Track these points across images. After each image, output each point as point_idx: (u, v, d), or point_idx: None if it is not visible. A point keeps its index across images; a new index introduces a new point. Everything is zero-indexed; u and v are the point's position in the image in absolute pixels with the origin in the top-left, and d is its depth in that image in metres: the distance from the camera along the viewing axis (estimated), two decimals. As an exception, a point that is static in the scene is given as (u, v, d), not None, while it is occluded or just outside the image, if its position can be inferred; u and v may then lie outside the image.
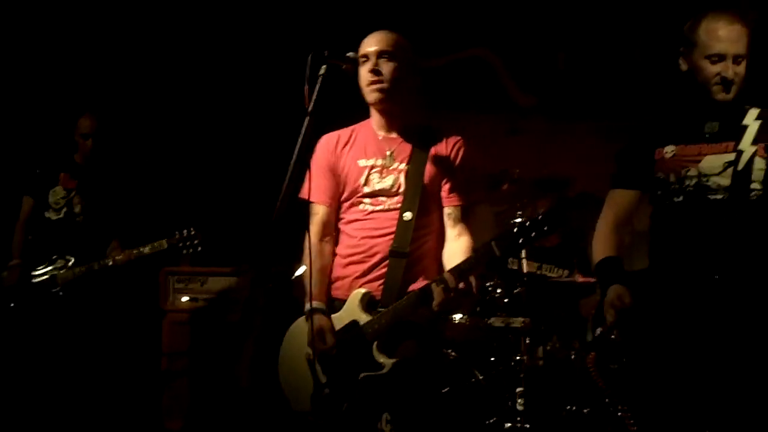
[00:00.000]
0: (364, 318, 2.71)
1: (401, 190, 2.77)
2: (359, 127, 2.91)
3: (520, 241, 2.53)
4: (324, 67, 2.47)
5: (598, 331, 2.64)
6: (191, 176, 5.29)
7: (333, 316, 2.78)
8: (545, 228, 2.51)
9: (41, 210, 4.36)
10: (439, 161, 2.79)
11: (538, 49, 5.24)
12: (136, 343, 4.79)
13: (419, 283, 2.71)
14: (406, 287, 2.71)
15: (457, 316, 4.13)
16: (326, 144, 2.88)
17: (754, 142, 2.59)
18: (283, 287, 4.44)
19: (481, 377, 4.03)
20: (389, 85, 2.72)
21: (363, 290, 2.75)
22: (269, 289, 4.10)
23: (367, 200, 2.80)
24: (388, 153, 2.81)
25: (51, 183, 4.37)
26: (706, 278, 2.53)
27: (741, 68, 2.61)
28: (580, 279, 4.22)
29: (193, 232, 4.11)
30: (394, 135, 2.83)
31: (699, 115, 2.69)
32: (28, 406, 4.14)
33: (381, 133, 2.84)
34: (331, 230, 2.90)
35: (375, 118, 2.86)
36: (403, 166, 2.78)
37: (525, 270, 4.21)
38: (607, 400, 3.24)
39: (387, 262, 2.74)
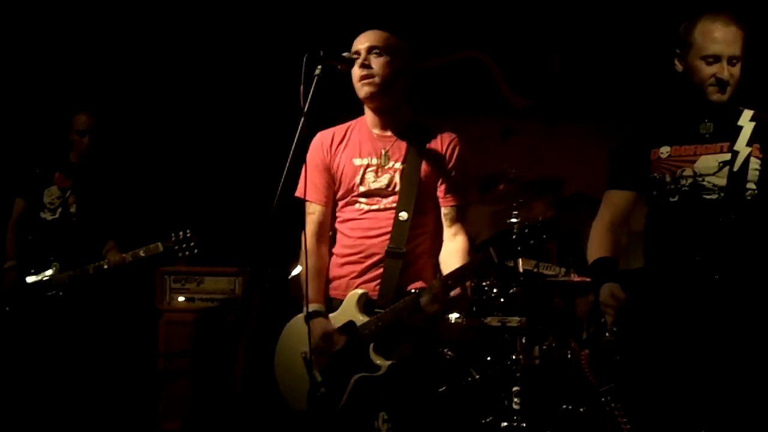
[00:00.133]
0: (360, 319, 2.71)
1: (396, 189, 2.76)
2: (354, 124, 2.89)
3: (519, 248, 2.53)
4: (319, 67, 2.47)
5: (592, 329, 2.65)
6: (188, 176, 5.29)
7: (330, 315, 2.79)
8: (544, 236, 2.51)
9: (36, 210, 4.31)
10: (435, 160, 2.78)
11: (531, 51, 5.25)
12: (133, 344, 4.79)
13: (416, 284, 2.72)
14: (403, 288, 2.71)
15: (453, 316, 4.13)
16: (321, 142, 2.86)
17: (749, 143, 2.62)
18: (279, 288, 4.45)
19: (477, 376, 4.04)
20: (379, 80, 2.71)
21: (360, 291, 2.74)
22: (265, 289, 4.12)
23: (362, 200, 2.79)
24: (383, 152, 2.80)
25: (45, 183, 4.33)
26: (701, 277, 2.54)
27: (736, 70, 2.63)
28: (576, 278, 4.23)
29: (189, 234, 4.07)
30: (388, 133, 2.82)
31: (694, 116, 2.71)
32: (25, 406, 4.12)
33: (376, 132, 2.83)
34: (327, 229, 2.90)
35: (369, 116, 2.85)
36: (398, 165, 2.77)
37: (521, 268, 4.21)
38: (601, 398, 3.25)
39: (383, 262, 2.74)
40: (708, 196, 2.62)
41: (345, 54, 2.69)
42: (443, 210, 2.81)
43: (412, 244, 2.74)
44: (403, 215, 2.73)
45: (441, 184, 2.80)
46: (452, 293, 2.60)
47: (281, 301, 4.42)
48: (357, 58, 2.73)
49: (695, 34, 2.63)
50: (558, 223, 2.51)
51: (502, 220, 4.22)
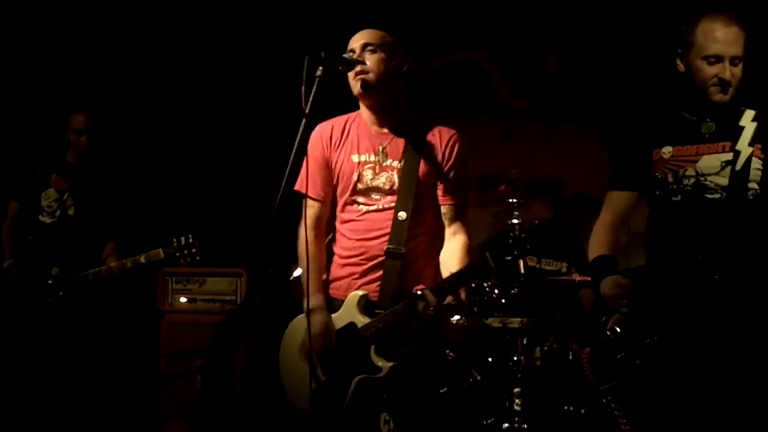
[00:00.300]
0: (361, 320, 2.72)
1: (394, 188, 2.75)
2: (352, 119, 2.88)
3: (515, 252, 2.53)
4: (320, 68, 2.47)
5: (593, 328, 2.65)
6: (189, 177, 5.29)
7: (331, 316, 2.80)
8: (541, 239, 2.51)
9: (35, 213, 4.26)
10: (433, 159, 2.77)
11: (530, 53, 5.25)
12: (134, 344, 4.79)
13: (416, 284, 2.72)
14: (403, 288, 2.72)
15: (455, 317, 4.13)
16: (320, 135, 2.85)
17: (751, 142, 2.63)
18: (280, 289, 4.45)
19: (478, 377, 4.04)
20: (373, 76, 2.71)
21: (360, 292, 2.75)
22: (267, 290, 4.12)
23: (361, 199, 2.79)
24: (380, 149, 2.79)
25: (43, 185, 4.27)
26: (703, 277, 2.54)
27: (738, 70, 2.64)
28: (577, 278, 4.23)
29: (191, 240, 4.00)
30: (385, 130, 2.81)
31: (696, 116, 2.71)
32: (27, 407, 4.11)
33: (374, 128, 2.83)
34: (324, 224, 2.91)
35: (365, 113, 2.84)
36: (396, 163, 2.77)
37: (522, 268, 4.21)
38: (599, 398, 3.25)
39: (383, 263, 2.74)
40: (710, 196, 2.63)
41: (346, 55, 2.70)
42: (442, 209, 2.81)
43: (412, 243, 2.74)
44: (402, 215, 2.73)
45: (440, 182, 2.79)
46: (447, 299, 2.60)
47: (282, 303, 4.43)
48: (351, 55, 2.73)
49: (697, 34, 2.64)
50: (556, 225, 2.51)
51: (503, 222, 4.22)
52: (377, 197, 2.78)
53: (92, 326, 4.21)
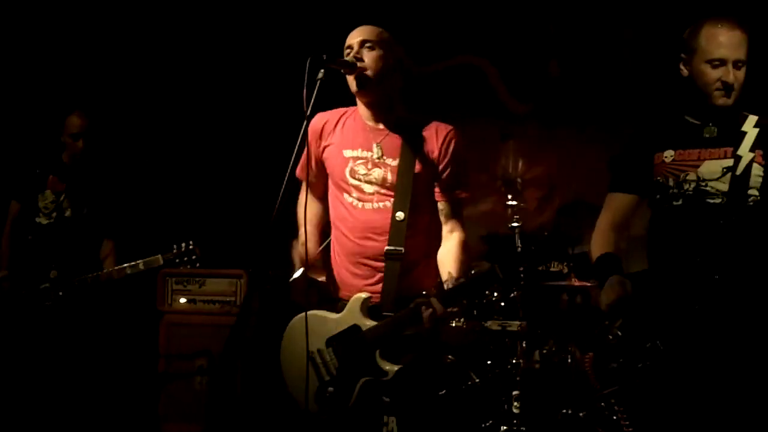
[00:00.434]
0: (365, 324, 2.72)
1: (387, 183, 2.75)
2: (349, 113, 2.88)
3: (524, 266, 2.53)
4: (322, 71, 2.48)
5: (596, 332, 2.65)
6: (189, 177, 5.29)
7: (335, 317, 2.80)
8: (548, 250, 2.51)
9: (32, 215, 4.23)
10: (429, 155, 2.76)
11: (530, 56, 5.26)
12: (133, 345, 4.79)
13: (416, 284, 2.72)
14: (404, 290, 2.72)
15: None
16: (313, 129, 2.84)
17: (752, 148, 2.63)
18: (280, 290, 4.45)
19: (477, 380, 4.05)
20: (371, 73, 2.71)
21: (364, 295, 2.75)
22: (266, 291, 4.12)
23: (355, 194, 2.79)
24: (374, 145, 2.79)
25: (40, 187, 4.24)
26: (702, 280, 2.54)
27: (741, 74, 2.65)
28: (576, 283, 4.24)
29: (191, 247, 3.96)
30: (381, 126, 2.81)
31: (698, 120, 2.72)
32: (26, 408, 4.10)
33: (369, 124, 2.82)
34: (322, 194, 2.93)
35: (362, 109, 2.84)
36: (391, 161, 2.76)
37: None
38: (602, 402, 3.25)
39: (383, 264, 2.75)
40: (711, 201, 2.64)
41: (347, 58, 2.70)
42: (439, 205, 2.80)
43: (411, 243, 2.74)
44: (400, 215, 2.73)
45: (436, 179, 2.78)
46: (450, 309, 2.60)
47: (281, 304, 4.43)
48: (349, 52, 2.73)
49: (700, 38, 2.65)
50: (561, 236, 2.52)
51: (501, 224, 4.23)
52: (370, 192, 2.77)
53: (92, 327, 4.20)
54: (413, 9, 5.25)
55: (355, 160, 2.79)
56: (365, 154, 2.79)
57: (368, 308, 2.74)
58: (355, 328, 2.73)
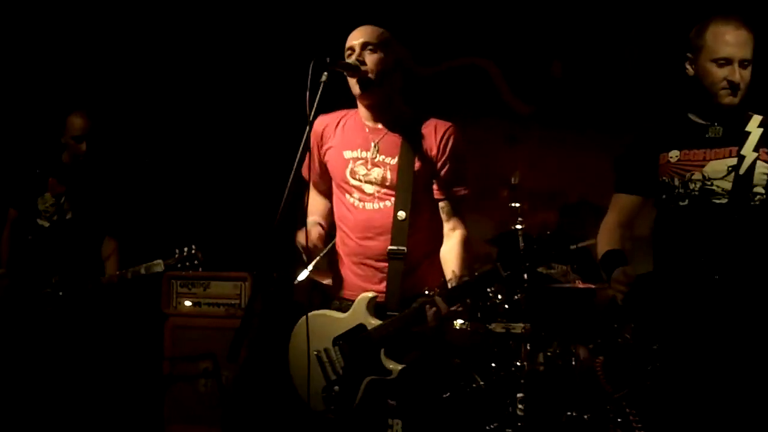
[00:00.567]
0: (371, 323, 2.73)
1: (387, 183, 2.76)
2: (348, 115, 2.90)
3: (527, 264, 2.53)
4: (325, 74, 2.49)
5: (616, 325, 2.64)
6: (194, 179, 5.30)
7: (341, 316, 2.82)
8: (552, 249, 2.51)
9: (33, 218, 4.18)
10: (428, 153, 2.76)
11: (534, 58, 5.26)
12: (138, 347, 4.79)
13: (420, 283, 2.73)
14: (407, 289, 2.73)
15: (458, 322, 4.14)
16: (314, 132, 2.86)
17: (756, 147, 2.63)
18: (284, 292, 4.46)
19: (481, 382, 4.04)
20: (373, 75, 2.72)
21: (369, 294, 2.76)
22: (270, 293, 4.12)
23: (356, 194, 2.80)
24: (373, 144, 2.80)
25: (40, 190, 4.19)
26: (709, 281, 2.54)
27: (747, 73, 2.65)
28: (580, 285, 4.23)
29: (194, 251, 3.91)
30: (380, 126, 2.82)
31: (703, 120, 2.72)
32: (30, 411, 4.10)
33: (368, 124, 2.83)
34: (328, 194, 2.95)
35: (362, 110, 2.85)
36: (390, 160, 2.77)
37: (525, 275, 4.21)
38: (611, 404, 3.23)
39: (386, 264, 2.76)
40: (717, 201, 2.64)
41: (349, 60, 2.70)
42: (440, 204, 2.80)
43: (413, 242, 2.75)
44: (401, 214, 2.73)
45: (436, 177, 2.78)
46: (454, 308, 2.60)
47: (285, 306, 4.43)
48: (350, 53, 2.74)
49: (706, 37, 2.65)
50: (564, 235, 2.52)
51: (507, 227, 4.22)
52: (371, 192, 2.78)
53: (96, 329, 4.20)
54: (417, 10, 5.26)
55: (355, 161, 2.80)
56: (364, 154, 2.80)
57: (374, 307, 2.75)
58: (361, 327, 2.74)
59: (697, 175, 2.67)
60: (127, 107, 5.16)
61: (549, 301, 4.34)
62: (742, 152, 2.63)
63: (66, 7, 5.03)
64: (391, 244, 2.74)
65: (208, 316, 4.68)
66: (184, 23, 5.24)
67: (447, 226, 2.79)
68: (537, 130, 5.19)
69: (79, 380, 4.16)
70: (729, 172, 2.64)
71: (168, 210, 5.19)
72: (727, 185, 2.63)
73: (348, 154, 2.82)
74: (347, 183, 2.80)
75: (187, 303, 4.73)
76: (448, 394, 3.92)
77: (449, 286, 2.63)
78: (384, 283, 2.77)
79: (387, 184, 2.76)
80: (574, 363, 4.06)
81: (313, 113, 2.45)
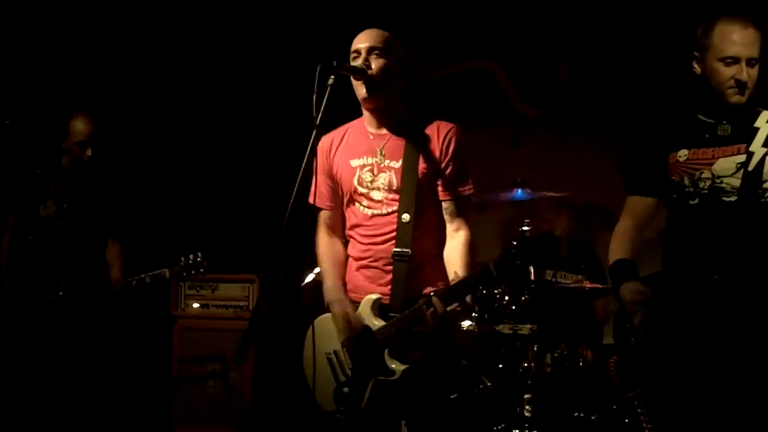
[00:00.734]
0: (375, 324, 2.75)
1: (394, 188, 2.76)
2: (352, 126, 2.91)
3: (518, 263, 2.53)
4: (332, 77, 2.50)
5: (628, 325, 2.63)
6: (202, 182, 5.32)
7: None
8: (540, 250, 2.51)
9: (34, 224, 4.06)
10: (431, 154, 2.76)
11: (540, 61, 5.27)
12: (147, 349, 4.81)
13: (424, 285, 2.74)
14: (412, 291, 2.74)
15: (465, 323, 4.15)
16: (322, 147, 2.87)
17: (765, 143, 2.62)
18: (291, 294, 4.48)
19: (489, 384, 4.05)
20: (379, 80, 2.72)
21: (374, 296, 2.78)
22: (278, 295, 4.14)
23: (364, 202, 2.81)
24: (378, 150, 2.80)
25: (41, 196, 4.08)
26: (720, 280, 2.53)
27: (754, 71, 2.64)
28: (588, 285, 4.24)
29: (199, 259, 3.86)
30: (384, 131, 2.82)
31: (711, 119, 2.71)
32: (38, 412, 4.10)
33: (371, 131, 2.84)
34: (338, 230, 2.95)
35: (366, 116, 2.86)
36: (394, 164, 2.77)
37: (533, 275, 4.22)
38: (618, 405, 3.23)
39: (392, 266, 2.77)
40: (727, 199, 2.63)
41: (356, 64, 2.72)
42: (443, 204, 2.80)
43: (417, 244, 2.75)
44: (406, 217, 2.74)
45: (439, 178, 2.78)
46: (450, 307, 2.60)
47: (293, 308, 4.45)
48: (356, 56, 2.74)
49: (713, 36, 2.65)
50: (554, 238, 2.51)
51: (513, 230, 4.23)
52: (379, 198, 2.79)
53: (104, 332, 4.20)
54: (423, 13, 5.28)
55: (362, 168, 2.82)
56: (371, 160, 2.81)
57: (379, 309, 2.76)
58: (366, 328, 2.76)
59: (706, 174, 2.66)
60: (131, 109, 5.16)
61: (556, 302, 4.35)
62: (751, 148, 2.62)
63: (66, 8, 5.02)
64: (396, 247, 2.75)
65: (216, 318, 4.71)
66: (190, 27, 5.26)
67: (451, 227, 2.79)
68: (543, 134, 5.20)
69: (87, 382, 4.17)
70: (738, 169, 2.62)
71: (176, 212, 5.21)
72: (737, 182, 2.61)
73: (355, 162, 2.83)
74: (356, 192, 2.82)
75: (196, 305, 4.75)
76: (456, 395, 3.92)
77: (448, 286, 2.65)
78: (390, 285, 2.78)
79: (393, 188, 2.77)
80: (581, 364, 4.06)
81: (320, 116, 2.47)
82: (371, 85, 2.71)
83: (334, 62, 2.54)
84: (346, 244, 2.95)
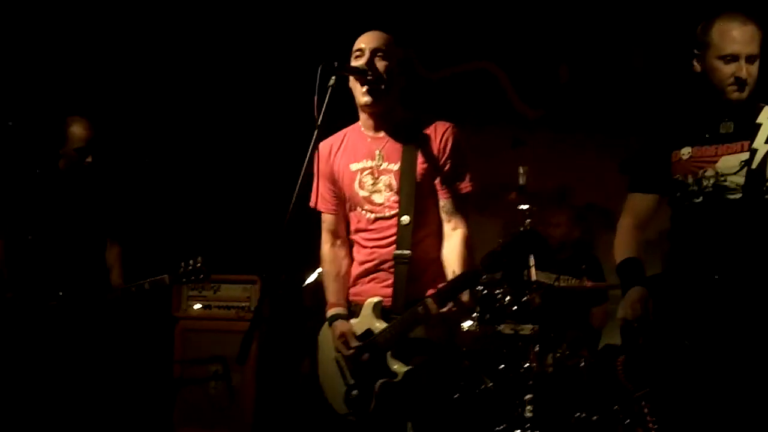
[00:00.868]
0: (377, 326, 2.75)
1: (395, 190, 2.76)
2: (350, 130, 2.91)
3: (504, 260, 2.53)
4: (333, 78, 2.50)
5: (636, 325, 2.62)
6: (203, 183, 5.32)
7: (352, 320, 2.84)
8: (524, 247, 2.51)
9: (31, 233, 3.98)
10: (429, 154, 2.75)
11: (541, 62, 5.27)
12: (149, 351, 4.82)
13: (425, 287, 2.74)
14: (413, 293, 2.73)
15: (467, 324, 4.15)
16: (322, 152, 2.86)
17: None
18: (293, 295, 4.48)
19: (490, 384, 4.05)
20: (382, 84, 2.71)
21: (375, 299, 2.78)
22: (279, 296, 4.14)
23: (366, 206, 2.81)
24: (376, 153, 2.80)
25: (38, 200, 3.99)
26: (724, 279, 2.53)
27: (754, 68, 2.63)
28: (588, 285, 4.24)
29: (199, 265, 3.79)
30: (381, 134, 2.82)
31: (713, 116, 2.70)
32: (40, 414, 4.09)
33: (369, 134, 2.83)
34: (342, 234, 2.95)
35: (363, 119, 2.86)
36: (393, 166, 2.77)
37: (534, 278, 4.22)
38: (619, 405, 3.23)
39: (393, 269, 2.76)
40: (731, 196, 2.61)
41: (357, 64, 2.72)
42: (440, 202, 2.78)
43: (417, 247, 2.75)
44: (405, 219, 2.73)
45: (437, 177, 2.77)
46: (445, 308, 2.60)
47: (294, 309, 4.46)
48: (358, 55, 2.74)
49: (713, 34, 2.64)
50: (537, 236, 2.51)
51: (513, 230, 4.23)
52: (380, 201, 2.79)
53: (106, 334, 4.20)
54: (423, 14, 5.28)
55: (362, 172, 2.82)
56: (370, 163, 2.81)
57: (380, 311, 2.77)
58: (368, 331, 2.76)
59: (710, 172, 2.65)
60: (130, 110, 5.15)
61: (558, 302, 4.35)
62: (754, 145, 2.60)
63: (66, 8, 5.01)
64: (397, 249, 2.75)
65: (218, 319, 4.71)
66: (190, 29, 5.26)
67: (448, 227, 2.78)
68: (544, 134, 5.20)
69: (89, 385, 4.16)
70: (742, 167, 2.60)
71: (177, 213, 5.21)
72: (741, 180, 2.60)
73: (354, 166, 2.83)
74: (357, 196, 2.82)
75: (197, 306, 4.75)
76: (458, 395, 3.93)
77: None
78: (392, 288, 2.78)
79: (394, 190, 2.77)
80: (582, 364, 4.06)
81: (321, 117, 2.46)
82: (375, 88, 2.71)
83: (336, 63, 2.54)
84: (350, 246, 2.94)
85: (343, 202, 2.90)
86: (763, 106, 2.68)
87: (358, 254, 2.89)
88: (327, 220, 2.95)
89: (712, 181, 2.64)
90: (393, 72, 2.73)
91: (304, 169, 2.46)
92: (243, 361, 2.48)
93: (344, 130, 2.92)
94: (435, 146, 2.76)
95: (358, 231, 2.87)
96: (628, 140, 4.55)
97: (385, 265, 2.79)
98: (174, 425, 4.67)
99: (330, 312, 2.88)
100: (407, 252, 2.73)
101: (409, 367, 2.68)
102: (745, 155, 2.61)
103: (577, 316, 4.63)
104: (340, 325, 2.83)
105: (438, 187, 2.78)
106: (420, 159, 2.75)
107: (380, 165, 2.79)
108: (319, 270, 2.85)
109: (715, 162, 2.65)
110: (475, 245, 2.81)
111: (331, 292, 2.91)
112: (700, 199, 2.66)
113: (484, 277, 2.55)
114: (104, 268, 4.15)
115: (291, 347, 4.62)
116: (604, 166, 4.72)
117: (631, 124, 4.84)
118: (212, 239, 4.24)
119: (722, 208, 2.62)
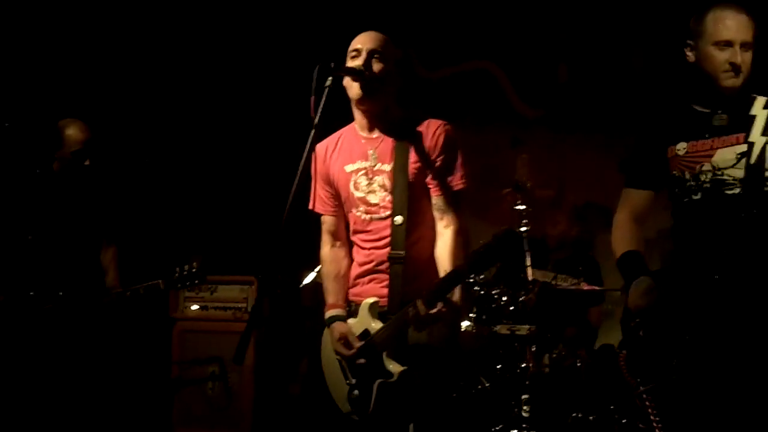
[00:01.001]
0: (373, 327, 2.76)
1: (389, 190, 2.76)
2: (345, 131, 2.91)
3: (489, 260, 2.53)
4: (330, 78, 2.50)
5: (638, 320, 2.61)
6: (200, 183, 5.32)
7: (350, 321, 2.85)
8: (507, 247, 2.50)
9: (28, 235, 3.93)
10: (422, 153, 2.74)
11: (540, 61, 5.27)
12: (146, 352, 4.81)
13: (420, 287, 2.71)
14: (408, 293, 2.72)
15: (464, 324, 4.16)
16: (318, 154, 2.86)
17: (764, 132, 2.57)
18: (290, 295, 4.49)
19: (487, 384, 4.06)
20: (379, 84, 2.71)
21: (371, 300, 2.78)
22: (277, 296, 4.14)
23: (362, 207, 2.82)
24: (370, 153, 2.80)
25: (34, 202, 3.94)
26: (730, 276, 2.50)
27: (748, 56, 2.61)
28: (585, 287, 4.24)
29: (194, 270, 3.72)
30: (375, 134, 2.81)
31: (707, 108, 2.67)
32: (38, 415, 4.08)
33: (363, 134, 2.83)
34: (342, 236, 2.95)
35: (357, 119, 2.86)
36: (386, 166, 2.77)
37: (531, 277, 4.23)
38: (638, 399, 3.21)
39: (388, 269, 2.76)
40: (730, 191, 2.59)
41: (354, 64, 2.72)
42: (433, 200, 2.76)
43: (414, 247, 2.75)
44: (398, 219, 2.73)
45: (429, 175, 2.76)
46: (434, 309, 2.59)
47: (292, 309, 4.46)
48: (354, 55, 2.73)
49: (707, 22, 2.63)
50: (515, 234, 2.50)
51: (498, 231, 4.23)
52: (375, 202, 2.79)
53: (104, 334, 4.19)
54: (423, 14, 5.28)
55: (356, 173, 2.82)
56: (364, 164, 2.81)
57: (377, 312, 2.77)
58: (366, 332, 2.77)
59: (707, 166, 2.62)
60: (127, 111, 5.14)
61: (554, 303, 4.35)
62: (751, 138, 2.57)
63: (62, 9, 5.00)
64: (391, 250, 2.75)
65: (215, 320, 4.71)
66: (187, 30, 5.26)
67: (440, 224, 2.76)
68: (544, 134, 5.20)
69: (88, 386, 4.16)
70: (738, 160, 2.57)
71: (173, 214, 5.21)
72: (738, 173, 2.57)
73: (349, 167, 2.83)
74: (353, 197, 2.83)
75: (194, 307, 4.75)
76: (455, 395, 3.93)
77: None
78: (387, 289, 2.78)
79: (389, 190, 2.77)
80: (578, 364, 4.07)
81: (318, 117, 2.46)
82: (370, 87, 2.71)
83: (332, 64, 2.54)
84: (350, 246, 2.95)
85: (341, 204, 2.90)
86: (756, 97, 2.65)
87: (357, 255, 2.89)
88: (326, 221, 2.95)
89: (709, 176, 2.61)
90: (390, 73, 2.74)
91: (300, 169, 2.46)
92: (240, 361, 2.47)
93: (339, 132, 2.92)
94: (427, 143, 2.75)
95: (356, 232, 2.88)
96: (627, 140, 4.52)
97: (383, 266, 2.79)
98: (173, 426, 4.67)
99: (328, 313, 2.89)
100: (401, 252, 2.72)
101: (405, 368, 2.68)
102: (741, 147, 2.58)
103: (574, 316, 4.63)
104: (339, 327, 2.83)
105: (430, 183, 2.76)
106: (413, 157, 2.74)
107: (374, 165, 2.79)
108: (318, 270, 2.85)
109: (711, 156, 2.62)
110: (475, 245, 2.75)
111: (330, 293, 2.92)
112: (699, 195, 2.64)
113: (474, 277, 2.53)
114: (100, 270, 4.13)
115: (289, 347, 4.63)
116: (604, 165, 4.72)
117: (630, 123, 4.83)
118: (209, 240, 4.24)
119: (722, 204, 2.59)
